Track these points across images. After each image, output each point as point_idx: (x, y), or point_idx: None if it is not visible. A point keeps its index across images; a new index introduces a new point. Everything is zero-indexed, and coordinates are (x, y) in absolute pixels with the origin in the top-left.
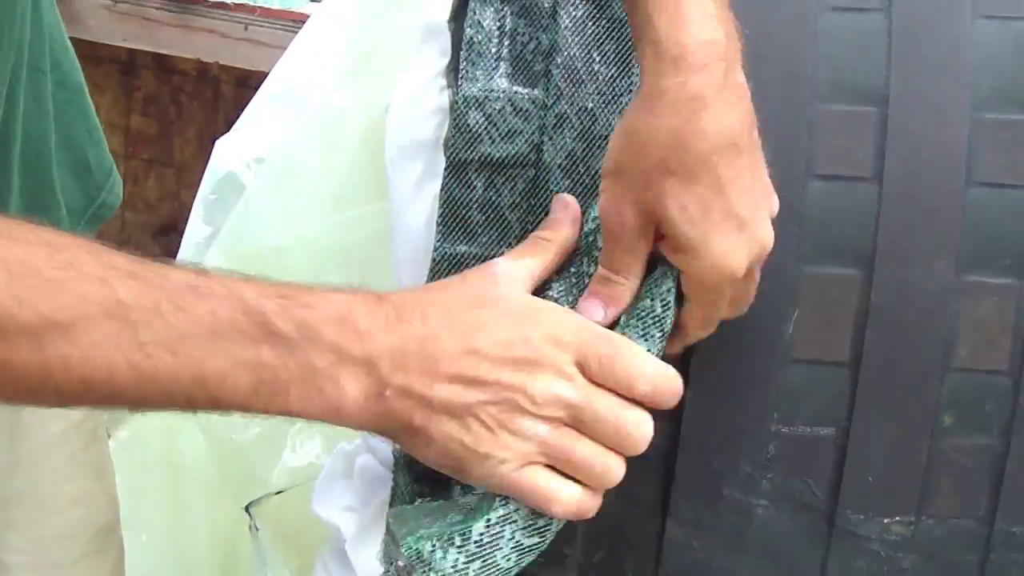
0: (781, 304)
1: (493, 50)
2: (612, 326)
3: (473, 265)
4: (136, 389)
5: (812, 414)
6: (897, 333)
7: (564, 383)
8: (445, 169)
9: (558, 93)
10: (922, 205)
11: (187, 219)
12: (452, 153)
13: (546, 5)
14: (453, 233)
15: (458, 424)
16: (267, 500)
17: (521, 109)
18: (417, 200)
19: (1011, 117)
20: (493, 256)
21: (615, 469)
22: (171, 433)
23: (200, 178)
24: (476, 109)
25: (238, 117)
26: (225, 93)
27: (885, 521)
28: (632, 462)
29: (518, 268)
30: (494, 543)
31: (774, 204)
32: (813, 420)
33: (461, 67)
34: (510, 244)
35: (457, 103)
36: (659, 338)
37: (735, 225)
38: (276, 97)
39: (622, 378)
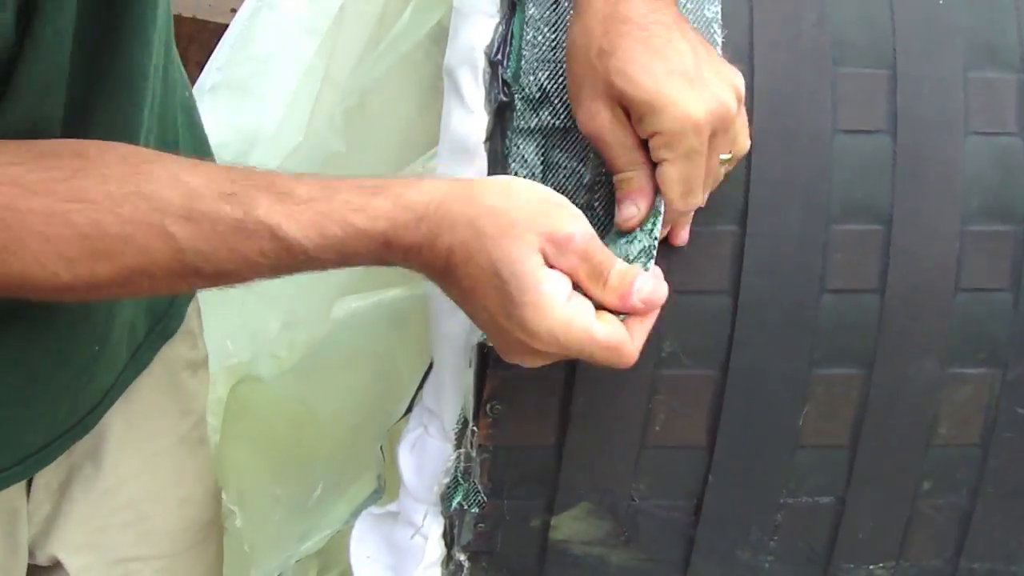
0: (793, 402)
1: None
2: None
3: None
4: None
5: (814, 487)
6: (890, 421)
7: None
8: None
9: (602, 229)
10: (916, 312)
11: None
12: None
13: (584, 138)
14: None
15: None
16: None
17: None
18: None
19: (993, 228)
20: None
21: None
22: None
23: None
24: None
25: None
26: None
27: (870, 567)
28: (657, 529)
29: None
30: None
31: (732, 76)
32: (815, 492)
33: None
34: None
35: None
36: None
37: (682, 80)
38: (218, 87)
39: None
